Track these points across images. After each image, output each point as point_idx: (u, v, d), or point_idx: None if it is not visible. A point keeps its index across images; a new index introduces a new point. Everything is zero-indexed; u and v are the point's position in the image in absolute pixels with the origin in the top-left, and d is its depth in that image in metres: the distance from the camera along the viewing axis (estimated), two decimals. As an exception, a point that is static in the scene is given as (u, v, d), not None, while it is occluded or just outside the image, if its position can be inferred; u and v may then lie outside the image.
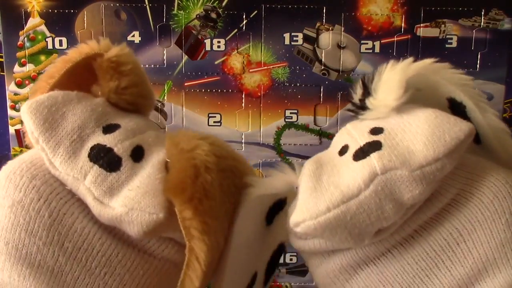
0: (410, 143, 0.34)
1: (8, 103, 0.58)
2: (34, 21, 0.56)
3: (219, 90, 0.57)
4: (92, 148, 0.35)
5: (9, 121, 0.58)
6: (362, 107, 0.38)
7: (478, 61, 0.57)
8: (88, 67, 0.39)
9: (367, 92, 0.38)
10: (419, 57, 0.56)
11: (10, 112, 0.58)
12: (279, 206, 0.39)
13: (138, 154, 0.36)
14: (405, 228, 0.35)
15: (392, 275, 0.35)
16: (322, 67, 0.57)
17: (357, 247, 0.36)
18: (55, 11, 0.56)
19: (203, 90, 0.57)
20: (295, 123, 0.58)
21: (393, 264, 0.35)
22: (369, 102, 0.38)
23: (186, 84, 0.57)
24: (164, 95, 0.57)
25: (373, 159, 0.33)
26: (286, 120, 0.58)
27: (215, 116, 0.58)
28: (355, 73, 0.57)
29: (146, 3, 0.56)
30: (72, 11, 0.56)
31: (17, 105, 0.58)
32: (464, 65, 0.57)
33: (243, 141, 0.58)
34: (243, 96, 0.58)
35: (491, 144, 0.39)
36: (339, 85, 0.57)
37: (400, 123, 0.35)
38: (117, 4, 0.56)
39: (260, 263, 0.41)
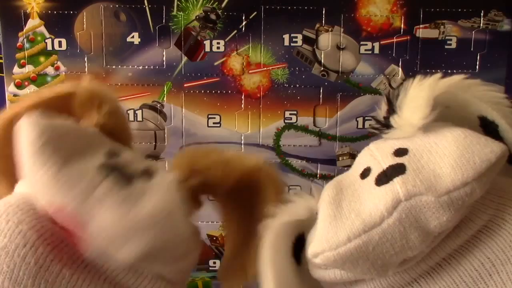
0: (437, 166, 0.32)
1: (8, 104, 0.58)
2: (34, 22, 0.56)
3: (219, 91, 0.57)
4: (102, 164, 0.34)
5: (9, 122, 0.58)
6: (386, 125, 0.36)
7: (478, 62, 0.57)
8: (66, 108, 0.38)
9: (391, 110, 0.36)
10: (419, 58, 0.57)
11: (10, 113, 0.58)
12: (301, 243, 0.37)
13: (148, 174, 0.36)
14: (432, 256, 0.33)
15: None
16: (322, 68, 0.57)
17: (380, 278, 0.33)
18: (55, 12, 0.56)
19: (202, 91, 0.57)
20: (295, 124, 0.58)
21: None
22: (393, 120, 0.35)
23: (185, 85, 0.57)
24: (164, 96, 0.57)
25: (397, 184, 0.31)
26: (286, 121, 0.58)
27: (214, 117, 0.58)
28: (354, 74, 0.57)
29: (146, 4, 0.56)
30: (71, 12, 0.56)
31: (16, 106, 0.58)
32: (464, 66, 0.57)
33: (242, 142, 0.58)
34: (243, 97, 0.57)
35: None
36: (338, 86, 0.57)
37: (426, 143, 0.33)
38: (117, 5, 0.56)
39: None
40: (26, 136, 0.33)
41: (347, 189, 0.34)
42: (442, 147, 0.32)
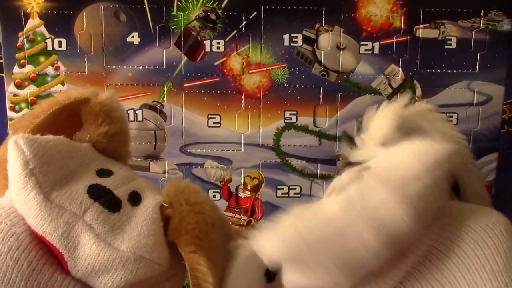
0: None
1: (8, 104, 0.58)
2: (34, 22, 0.56)
3: (219, 91, 0.57)
4: (91, 187, 0.35)
5: (8, 122, 0.58)
6: (354, 143, 0.39)
7: (478, 62, 0.57)
8: (72, 113, 0.38)
9: (359, 130, 0.38)
10: (419, 58, 0.57)
11: (10, 114, 0.58)
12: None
13: (135, 199, 0.36)
14: (387, 281, 0.33)
15: None
16: (322, 68, 0.57)
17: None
18: (55, 12, 0.56)
19: (202, 91, 0.57)
20: (295, 124, 0.58)
21: None
22: (359, 139, 0.38)
23: (185, 85, 0.57)
24: (164, 96, 0.57)
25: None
26: (286, 121, 0.58)
27: (214, 117, 0.58)
28: (354, 74, 0.57)
29: (146, 4, 0.56)
30: (71, 12, 0.56)
31: (16, 107, 0.57)
32: (464, 66, 0.57)
33: (242, 142, 0.58)
34: (243, 97, 0.57)
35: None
36: (338, 86, 0.57)
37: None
38: (117, 6, 0.56)
39: None
40: (14, 160, 0.33)
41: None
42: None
